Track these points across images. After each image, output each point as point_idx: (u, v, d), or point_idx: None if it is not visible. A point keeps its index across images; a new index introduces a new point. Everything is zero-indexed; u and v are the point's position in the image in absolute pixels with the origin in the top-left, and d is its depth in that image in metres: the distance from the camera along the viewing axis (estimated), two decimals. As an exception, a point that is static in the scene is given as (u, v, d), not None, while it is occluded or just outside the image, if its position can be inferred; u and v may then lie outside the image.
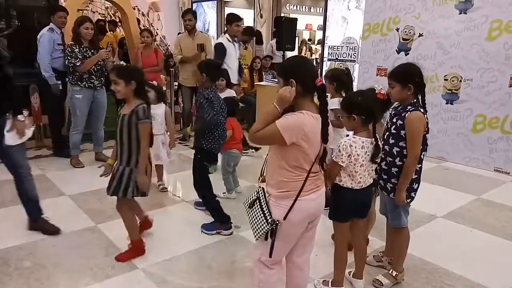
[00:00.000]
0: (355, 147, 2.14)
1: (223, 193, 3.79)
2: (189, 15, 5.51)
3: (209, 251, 2.87)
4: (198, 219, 3.34)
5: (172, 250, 2.83)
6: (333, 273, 2.39)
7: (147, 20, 9.07)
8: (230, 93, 4.25)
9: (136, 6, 7.93)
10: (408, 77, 2.27)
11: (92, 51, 4.40)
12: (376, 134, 2.22)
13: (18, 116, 2.71)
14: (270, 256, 1.85)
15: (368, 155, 2.17)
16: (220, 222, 3.12)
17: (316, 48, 11.98)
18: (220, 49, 5.06)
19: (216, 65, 3.33)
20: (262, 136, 1.78)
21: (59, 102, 4.77)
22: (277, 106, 1.77)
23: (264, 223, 1.80)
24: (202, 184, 3.15)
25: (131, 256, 2.68)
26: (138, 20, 7.39)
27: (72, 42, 4.37)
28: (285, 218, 1.79)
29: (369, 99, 2.18)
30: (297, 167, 1.78)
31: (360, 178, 2.19)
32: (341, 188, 2.21)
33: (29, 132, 2.82)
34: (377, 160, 2.23)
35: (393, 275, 2.49)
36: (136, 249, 2.71)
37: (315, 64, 5.66)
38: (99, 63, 4.43)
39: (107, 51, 4.59)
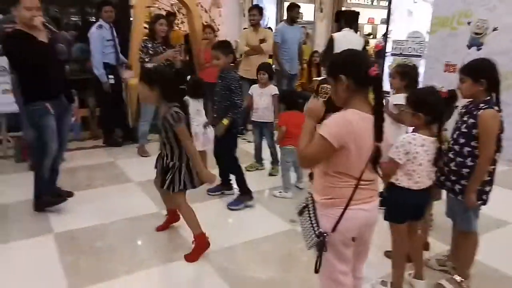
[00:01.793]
0: (415, 144, 2.05)
1: (279, 192, 3.78)
2: (254, 11, 5.67)
3: (265, 243, 2.93)
4: (252, 212, 3.43)
5: (229, 239, 2.93)
6: (392, 276, 2.34)
7: (209, 16, 9.31)
8: (273, 89, 4.17)
9: (199, 3, 8.16)
10: (481, 72, 2.15)
11: (164, 47, 4.64)
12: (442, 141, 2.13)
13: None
14: (316, 272, 1.67)
15: (428, 154, 2.08)
16: (245, 194, 3.47)
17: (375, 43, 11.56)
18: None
19: (228, 44, 3.46)
20: (311, 153, 1.61)
21: (114, 96, 5.01)
22: (309, 120, 1.65)
23: (312, 234, 1.67)
24: (233, 160, 3.46)
25: (198, 254, 2.67)
26: (201, 16, 7.60)
27: (146, 38, 4.65)
28: (333, 229, 1.63)
29: (440, 100, 2.10)
30: (343, 173, 1.62)
31: (418, 178, 2.10)
32: (397, 188, 2.14)
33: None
34: (439, 164, 2.13)
35: (458, 280, 2.38)
36: (201, 244, 2.70)
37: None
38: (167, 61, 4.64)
39: (176, 51, 4.76)
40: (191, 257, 2.66)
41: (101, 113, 5.30)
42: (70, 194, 3.53)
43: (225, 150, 3.45)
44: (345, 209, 1.62)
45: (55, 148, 3.20)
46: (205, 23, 7.31)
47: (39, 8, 3.00)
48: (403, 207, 2.17)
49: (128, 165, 4.47)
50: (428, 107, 2.06)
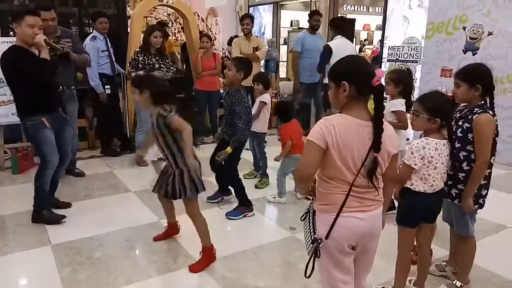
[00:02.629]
0: (429, 149, 2.07)
1: (273, 197, 3.79)
2: (247, 20, 5.72)
3: (265, 251, 2.92)
4: (251, 220, 3.43)
5: (229, 248, 2.91)
6: (394, 281, 2.32)
7: (206, 25, 9.37)
8: (265, 98, 4.07)
9: (196, 12, 8.22)
10: (477, 77, 2.16)
11: (157, 58, 4.63)
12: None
13: None
14: (306, 276, 1.65)
15: (442, 157, 2.09)
16: (245, 205, 3.47)
17: (370, 48, 11.63)
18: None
19: (249, 62, 3.43)
20: (303, 161, 1.62)
21: (111, 106, 4.99)
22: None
23: (310, 239, 1.68)
24: (234, 173, 3.47)
25: (204, 265, 2.65)
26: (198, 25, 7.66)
27: (138, 50, 4.64)
28: (327, 236, 1.62)
29: (451, 106, 2.13)
30: (334, 178, 1.60)
31: (433, 181, 2.11)
32: (412, 192, 2.14)
33: None
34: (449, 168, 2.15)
35: (458, 286, 2.37)
36: (209, 257, 2.67)
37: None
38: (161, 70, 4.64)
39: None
40: (196, 268, 2.63)
41: (98, 123, 5.31)
42: (67, 205, 3.52)
43: (226, 163, 3.36)
44: (337, 215, 1.61)
45: (55, 161, 3.21)
46: (202, 32, 7.36)
47: (41, 26, 3.06)
48: (418, 211, 2.18)
49: (126, 174, 4.47)
50: (443, 112, 2.08)
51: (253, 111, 4.08)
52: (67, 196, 3.78)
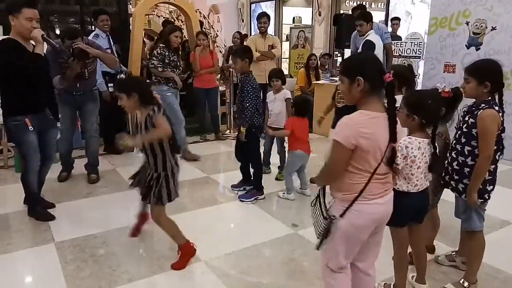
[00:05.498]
0: (411, 148, 2.02)
1: (282, 193, 3.82)
2: (264, 18, 5.84)
3: (267, 248, 2.91)
4: (253, 216, 3.43)
5: (231, 245, 2.91)
6: (394, 278, 2.31)
7: (208, 22, 9.35)
8: (285, 93, 4.19)
9: (198, 9, 8.20)
10: (487, 74, 2.14)
11: (175, 56, 4.73)
12: (447, 138, 2.11)
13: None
14: (317, 248, 1.81)
15: (425, 156, 2.06)
16: (258, 189, 3.71)
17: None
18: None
19: (246, 47, 3.78)
20: (331, 162, 1.71)
21: (113, 104, 4.97)
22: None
23: (322, 219, 1.78)
24: (258, 158, 3.76)
25: (186, 261, 2.65)
26: (201, 23, 7.65)
27: (163, 45, 4.67)
28: (342, 215, 1.73)
29: (437, 105, 2.07)
30: (360, 169, 1.69)
31: (417, 180, 2.08)
32: (396, 192, 2.09)
33: None
34: (435, 169, 2.11)
35: (465, 285, 2.35)
36: (187, 252, 2.66)
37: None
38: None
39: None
40: (178, 265, 2.63)
41: (101, 121, 5.31)
42: (51, 205, 3.50)
43: (250, 149, 3.73)
44: (355, 199, 1.70)
45: (35, 164, 3.17)
46: (204, 29, 7.35)
47: (39, 20, 2.97)
48: (403, 211, 2.13)
49: (129, 172, 4.42)
50: (422, 110, 2.03)
51: (271, 107, 4.15)
52: (70, 194, 3.80)
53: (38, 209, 3.31)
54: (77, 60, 3.58)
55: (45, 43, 3.10)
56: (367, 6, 12.29)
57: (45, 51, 3.19)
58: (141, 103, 2.44)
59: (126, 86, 2.47)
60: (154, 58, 4.65)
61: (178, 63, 4.79)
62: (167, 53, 4.63)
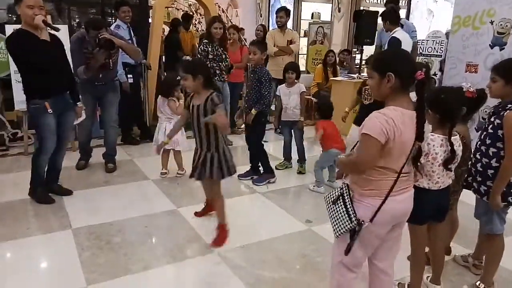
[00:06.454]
0: (433, 145, 2.00)
1: (312, 186, 3.87)
2: (281, 12, 5.77)
3: (281, 243, 2.91)
4: (268, 211, 3.43)
5: (245, 238, 2.92)
6: (410, 278, 2.29)
7: (226, 16, 9.34)
8: (300, 87, 4.20)
9: (217, 3, 8.20)
10: None
11: (222, 49, 4.70)
12: (466, 138, 2.06)
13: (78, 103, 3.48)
14: (346, 254, 1.76)
15: (448, 154, 2.03)
16: (269, 173, 3.99)
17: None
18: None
19: (265, 43, 4.06)
20: (363, 157, 1.66)
21: (132, 95, 5.02)
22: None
23: (347, 221, 1.71)
24: (259, 147, 3.97)
25: (222, 240, 2.80)
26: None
27: (206, 41, 4.66)
28: (371, 219, 1.68)
29: (453, 100, 2.01)
30: (383, 167, 1.67)
31: (438, 178, 2.05)
32: (417, 189, 2.08)
33: (83, 115, 3.63)
34: (450, 167, 2.07)
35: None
36: (223, 233, 2.83)
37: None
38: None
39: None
40: (216, 243, 2.80)
41: (119, 112, 5.37)
42: (69, 192, 3.59)
43: (253, 137, 3.98)
44: (384, 200, 1.67)
45: (50, 146, 3.27)
46: (231, 23, 7.30)
47: (42, 7, 3.03)
48: (424, 208, 2.12)
49: (146, 163, 4.52)
50: (438, 106, 1.99)
51: (286, 101, 4.17)
52: (87, 183, 3.87)
53: (39, 190, 3.41)
54: (103, 50, 3.64)
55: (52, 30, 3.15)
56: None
57: (70, 40, 3.26)
58: (204, 86, 2.61)
59: (194, 67, 2.64)
60: (198, 55, 4.69)
61: (224, 56, 4.73)
62: (209, 48, 4.60)
